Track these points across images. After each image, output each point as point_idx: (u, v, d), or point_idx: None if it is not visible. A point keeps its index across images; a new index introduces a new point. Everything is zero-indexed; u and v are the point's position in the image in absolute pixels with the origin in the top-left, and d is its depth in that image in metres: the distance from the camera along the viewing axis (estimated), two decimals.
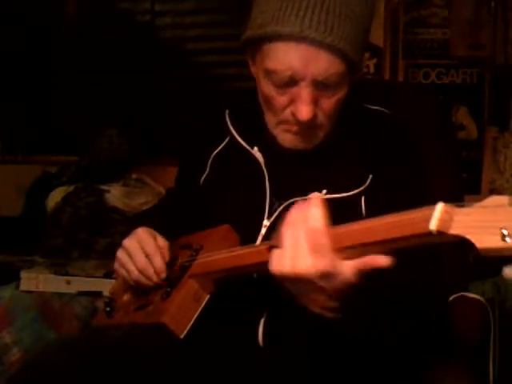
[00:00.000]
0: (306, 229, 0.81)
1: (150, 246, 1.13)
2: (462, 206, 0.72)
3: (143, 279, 1.14)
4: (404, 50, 2.65)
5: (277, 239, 0.86)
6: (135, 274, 1.14)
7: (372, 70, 2.62)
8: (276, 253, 0.84)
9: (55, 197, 2.53)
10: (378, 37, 2.57)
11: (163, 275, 1.13)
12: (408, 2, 2.62)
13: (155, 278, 1.13)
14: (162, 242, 1.15)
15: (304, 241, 0.81)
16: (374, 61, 2.62)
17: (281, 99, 1.04)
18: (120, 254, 1.16)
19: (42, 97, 2.98)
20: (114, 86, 2.93)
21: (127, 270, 1.15)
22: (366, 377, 1.03)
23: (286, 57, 0.99)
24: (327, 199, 1.07)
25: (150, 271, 1.12)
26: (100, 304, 1.69)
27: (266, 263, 0.96)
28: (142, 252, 1.13)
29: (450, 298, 1.27)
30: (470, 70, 2.61)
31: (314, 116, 1.03)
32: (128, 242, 1.15)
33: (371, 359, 1.01)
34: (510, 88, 2.51)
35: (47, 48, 2.99)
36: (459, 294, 1.28)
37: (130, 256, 1.14)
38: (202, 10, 2.90)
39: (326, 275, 0.81)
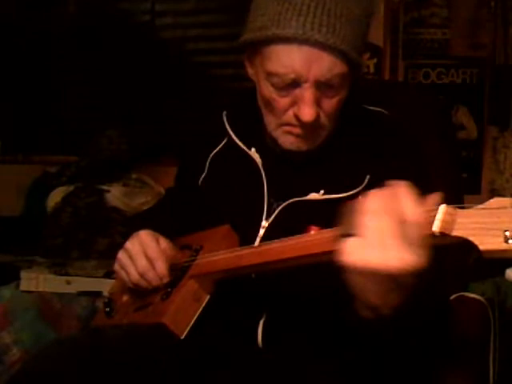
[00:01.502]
0: (399, 219, 0.73)
1: (153, 249, 1.13)
2: (465, 208, 0.71)
3: (143, 283, 1.13)
4: (404, 50, 2.65)
5: (348, 228, 0.76)
6: (136, 277, 1.13)
7: (372, 70, 2.62)
8: (357, 242, 0.74)
9: (55, 197, 2.53)
10: (378, 37, 2.57)
11: (166, 280, 1.12)
12: (408, 2, 2.62)
13: (157, 282, 1.12)
14: (164, 243, 1.15)
15: (398, 232, 0.73)
16: (374, 61, 2.61)
17: (282, 101, 1.04)
18: (121, 255, 1.15)
19: (42, 97, 2.98)
20: (113, 86, 2.93)
21: (128, 273, 1.14)
22: (371, 376, 1.03)
23: (289, 59, 0.99)
24: (324, 200, 1.08)
25: (151, 275, 1.12)
26: (100, 304, 1.69)
27: (266, 263, 0.97)
28: (144, 255, 1.12)
29: (450, 298, 1.27)
30: (470, 70, 2.61)
31: (317, 117, 1.03)
32: (130, 245, 1.14)
33: (389, 361, 1.00)
34: (510, 88, 2.51)
35: (47, 48, 2.98)
36: (459, 293, 1.28)
37: (131, 259, 1.13)
38: (201, 10, 2.90)
39: (418, 271, 0.73)
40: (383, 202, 0.75)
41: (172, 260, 1.14)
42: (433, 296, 0.94)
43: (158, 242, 1.14)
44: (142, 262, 1.12)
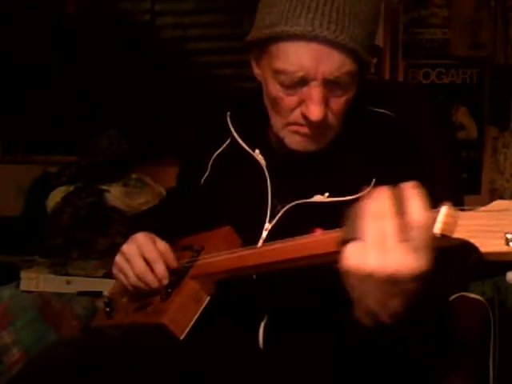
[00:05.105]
0: (402, 221, 0.71)
1: (151, 251, 1.12)
2: (467, 210, 0.71)
3: (141, 285, 1.13)
4: (404, 50, 2.65)
5: (350, 231, 0.75)
6: (134, 280, 1.13)
7: (372, 70, 2.61)
8: (356, 246, 0.73)
9: (55, 197, 2.52)
10: (378, 37, 2.56)
11: (165, 282, 1.12)
12: (408, 2, 2.62)
13: (155, 285, 1.12)
14: (162, 246, 1.14)
15: (400, 235, 0.71)
16: (374, 61, 2.61)
17: (289, 100, 1.03)
18: (118, 259, 1.15)
19: (41, 97, 2.98)
20: (114, 86, 2.93)
21: (126, 276, 1.14)
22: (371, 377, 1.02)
23: (297, 56, 0.98)
24: (329, 202, 1.07)
25: (149, 277, 1.12)
26: (100, 304, 1.69)
27: (267, 264, 0.96)
28: (142, 258, 1.12)
29: (450, 298, 1.27)
30: (470, 70, 2.61)
31: (325, 116, 1.02)
32: (127, 248, 1.14)
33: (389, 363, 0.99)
34: (510, 88, 2.51)
35: (47, 48, 2.98)
36: (459, 293, 1.28)
37: (128, 262, 1.13)
38: (201, 10, 2.90)
39: (420, 276, 0.71)
40: (385, 204, 0.73)
41: (170, 262, 1.13)
42: (434, 300, 0.94)
43: (155, 243, 1.13)
44: (140, 265, 1.12)
